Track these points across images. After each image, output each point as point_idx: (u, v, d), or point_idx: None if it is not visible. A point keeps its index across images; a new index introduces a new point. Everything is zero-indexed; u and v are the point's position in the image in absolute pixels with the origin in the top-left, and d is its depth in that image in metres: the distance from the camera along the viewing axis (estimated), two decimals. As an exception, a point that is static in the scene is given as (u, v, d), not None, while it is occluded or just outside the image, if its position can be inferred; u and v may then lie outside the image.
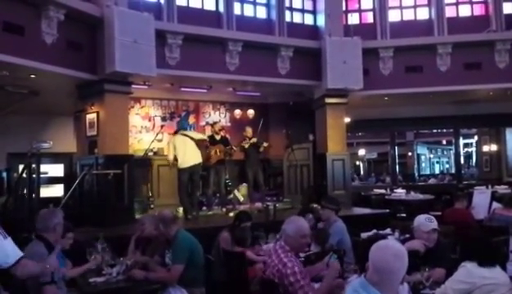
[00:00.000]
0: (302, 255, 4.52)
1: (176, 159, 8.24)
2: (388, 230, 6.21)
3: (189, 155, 8.24)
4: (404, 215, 8.80)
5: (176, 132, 8.70)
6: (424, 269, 3.42)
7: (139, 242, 4.80)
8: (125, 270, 4.03)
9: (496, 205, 7.00)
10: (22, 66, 6.96)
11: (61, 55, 7.48)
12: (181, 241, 4.20)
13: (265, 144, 9.86)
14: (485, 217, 6.80)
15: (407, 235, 4.90)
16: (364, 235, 6.08)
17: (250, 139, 9.75)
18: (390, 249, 2.25)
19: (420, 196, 9.89)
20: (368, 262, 2.27)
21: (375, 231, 6.26)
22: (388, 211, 9.12)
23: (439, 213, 7.08)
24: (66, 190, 9.87)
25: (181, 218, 8.15)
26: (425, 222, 3.96)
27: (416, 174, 19.41)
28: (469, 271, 3.06)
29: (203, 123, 11.91)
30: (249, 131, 9.86)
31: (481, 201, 7.29)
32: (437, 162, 25.45)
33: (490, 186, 10.49)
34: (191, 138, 8.46)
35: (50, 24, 7.24)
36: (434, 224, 3.95)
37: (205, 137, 9.11)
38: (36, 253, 3.42)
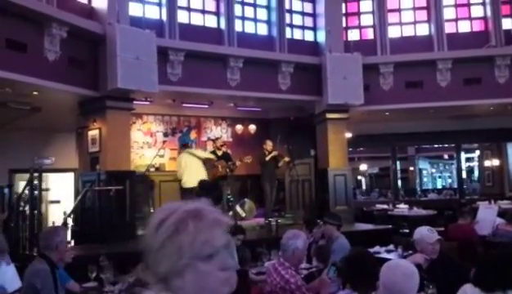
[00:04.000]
0: (305, 271, 4.51)
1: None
2: (391, 246, 6.18)
3: (194, 176, 8.22)
4: (407, 231, 8.74)
5: (184, 146, 8.64)
6: (428, 285, 3.39)
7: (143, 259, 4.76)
8: (127, 288, 4.00)
9: (499, 220, 6.95)
10: (24, 83, 7.02)
11: (64, 72, 7.55)
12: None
13: (286, 159, 9.78)
14: (488, 233, 6.75)
15: (410, 251, 4.88)
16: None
17: (270, 152, 9.68)
18: (400, 269, 2.24)
19: (423, 212, 9.85)
20: (378, 281, 2.26)
21: (378, 247, 6.23)
22: (390, 226, 9.07)
23: (442, 229, 7.04)
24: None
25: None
26: (428, 233, 3.95)
27: (418, 189, 19.34)
28: (463, 291, 2.97)
29: (204, 139, 11.92)
30: (269, 144, 9.77)
31: (486, 216, 7.21)
32: (440, 177, 25.36)
33: (493, 201, 10.43)
34: (198, 157, 8.48)
35: (52, 41, 7.31)
36: (436, 235, 3.95)
37: (213, 156, 9.04)
38: (39, 272, 3.41)
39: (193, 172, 8.27)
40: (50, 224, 9.27)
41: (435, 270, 3.70)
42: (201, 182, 8.19)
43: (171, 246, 1.12)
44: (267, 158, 9.59)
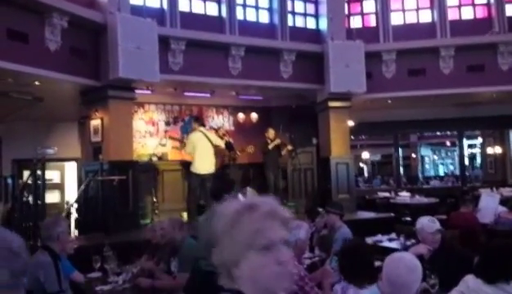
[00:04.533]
0: (308, 261, 4.53)
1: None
2: (393, 235, 6.21)
3: (206, 162, 8.06)
4: (409, 219, 8.77)
5: (197, 119, 8.42)
6: (429, 276, 3.40)
7: (146, 249, 4.79)
8: (131, 278, 4.04)
9: (501, 209, 6.96)
10: (26, 73, 7.00)
11: (65, 62, 7.53)
12: (187, 249, 4.19)
13: (289, 147, 9.76)
14: (490, 221, 6.77)
15: (413, 240, 4.90)
16: (369, 240, 6.08)
17: (273, 140, 9.66)
18: (403, 262, 2.26)
19: (425, 200, 9.87)
20: (381, 272, 2.28)
21: (380, 236, 6.26)
22: (392, 214, 9.10)
23: (444, 216, 7.07)
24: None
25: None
26: (429, 223, 3.99)
27: (420, 176, 19.38)
28: (465, 282, 2.96)
29: (206, 127, 11.89)
30: (271, 132, 9.74)
31: (488, 204, 7.22)
32: (442, 164, 25.38)
33: (495, 188, 10.45)
34: (210, 141, 8.32)
35: (53, 31, 7.28)
36: (438, 225, 3.98)
37: (223, 145, 8.85)
38: (41, 263, 3.43)
39: (204, 158, 8.07)
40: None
41: (437, 261, 3.72)
42: (217, 171, 8.20)
43: (227, 237, 1.19)
44: (270, 147, 9.58)
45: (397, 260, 2.30)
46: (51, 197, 10.51)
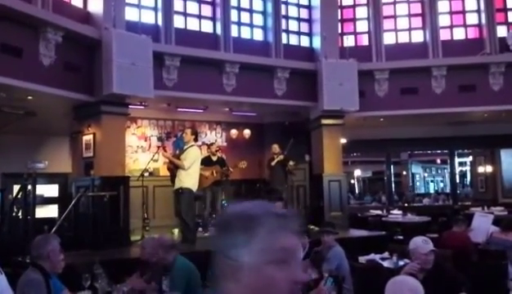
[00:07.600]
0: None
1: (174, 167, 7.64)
2: (386, 254, 6.18)
3: (195, 179, 7.67)
4: (401, 237, 8.76)
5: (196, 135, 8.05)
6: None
7: (136, 266, 4.73)
8: (122, 298, 3.97)
9: (493, 228, 6.98)
10: (19, 88, 6.97)
11: (59, 77, 7.50)
12: (179, 268, 4.15)
13: (291, 163, 9.71)
14: (483, 241, 6.78)
15: (406, 260, 4.88)
16: (362, 259, 6.05)
17: (277, 156, 9.63)
18: (406, 285, 2.25)
19: (417, 218, 9.88)
20: None
21: (372, 255, 6.23)
22: (384, 233, 9.08)
23: (436, 235, 7.07)
24: (61, 211, 9.79)
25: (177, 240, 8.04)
26: (422, 244, 3.99)
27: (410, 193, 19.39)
28: None
29: (199, 143, 11.85)
30: (275, 147, 9.71)
31: (481, 224, 7.26)
32: (432, 181, 25.47)
33: (486, 207, 10.50)
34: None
35: (48, 45, 7.26)
36: (431, 246, 3.98)
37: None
38: (32, 281, 3.37)
39: (194, 175, 7.58)
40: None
41: (428, 281, 3.71)
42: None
43: None
44: (273, 163, 9.57)
45: (399, 283, 2.29)
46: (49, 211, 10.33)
